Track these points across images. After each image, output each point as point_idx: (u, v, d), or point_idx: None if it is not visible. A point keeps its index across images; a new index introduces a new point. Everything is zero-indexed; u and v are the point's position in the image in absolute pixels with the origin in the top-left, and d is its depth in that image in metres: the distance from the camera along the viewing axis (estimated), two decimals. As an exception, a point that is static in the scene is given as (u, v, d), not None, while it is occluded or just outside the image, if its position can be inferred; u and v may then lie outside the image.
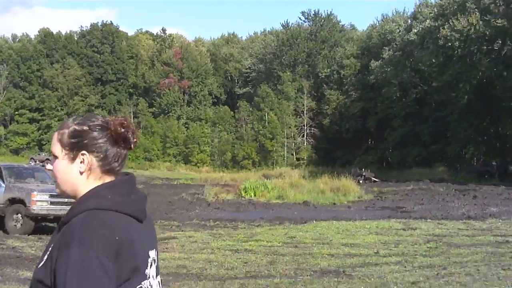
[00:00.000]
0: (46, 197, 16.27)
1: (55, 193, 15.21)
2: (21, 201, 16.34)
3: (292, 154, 78.15)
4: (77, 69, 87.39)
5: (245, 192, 33.03)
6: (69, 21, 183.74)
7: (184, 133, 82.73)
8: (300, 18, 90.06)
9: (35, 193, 16.20)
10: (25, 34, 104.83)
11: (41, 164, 69.34)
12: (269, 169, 67.46)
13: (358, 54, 77.30)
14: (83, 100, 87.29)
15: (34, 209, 16.00)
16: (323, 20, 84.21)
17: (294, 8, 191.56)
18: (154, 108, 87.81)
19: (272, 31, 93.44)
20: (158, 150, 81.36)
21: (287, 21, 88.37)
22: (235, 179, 48.88)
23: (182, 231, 17.04)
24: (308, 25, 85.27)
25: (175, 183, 50.07)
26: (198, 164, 79.13)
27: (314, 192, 32.55)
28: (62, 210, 15.94)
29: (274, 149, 75.63)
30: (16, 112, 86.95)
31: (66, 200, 15.39)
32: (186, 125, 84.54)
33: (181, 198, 31.99)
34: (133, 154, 77.66)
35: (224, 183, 45.34)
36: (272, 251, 12.64)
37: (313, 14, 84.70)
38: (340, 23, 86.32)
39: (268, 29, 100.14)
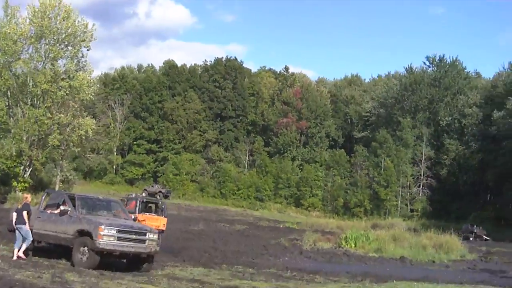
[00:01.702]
0: (113, 232, 19.36)
1: (124, 229, 19.75)
2: (89, 234, 19.32)
3: (406, 205, 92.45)
4: (197, 103, 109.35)
5: (345, 242, 38.73)
6: (198, 55, 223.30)
7: (297, 175, 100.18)
8: (424, 62, 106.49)
9: (102, 226, 19.19)
10: (150, 65, 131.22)
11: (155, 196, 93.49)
12: (380, 218, 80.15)
13: (481, 103, 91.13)
14: (201, 135, 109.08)
15: (100, 243, 18.98)
16: (447, 66, 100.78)
17: (420, 51, 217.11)
18: (270, 147, 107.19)
19: (396, 74, 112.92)
20: (270, 190, 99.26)
21: (411, 65, 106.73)
22: (341, 227, 56.89)
23: (251, 280, 20.14)
24: (432, 70, 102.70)
25: (281, 226, 60.47)
26: (309, 208, 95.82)
27: (416, 247, 37.19)
28: (129, 246, 19.77)
29: (388, 198, 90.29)
30: (135, 142, 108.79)
31: (134, 236, 19.93)
32: (300, 167, 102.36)
33: (278, 243, 38.31)
34: (245, 193, 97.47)
35: (329, 230, 53.47)
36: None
37: (438, 59, 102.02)
38: (465, 70, 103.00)
39: (392, 72, 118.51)
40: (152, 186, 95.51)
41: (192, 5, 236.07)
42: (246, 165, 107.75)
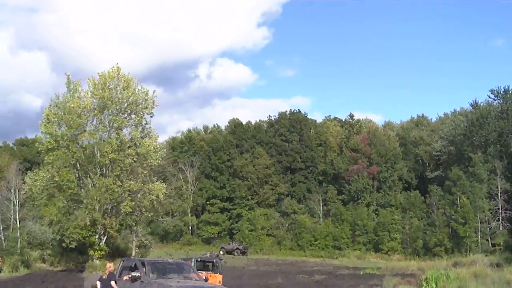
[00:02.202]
0: None
1: None
2: None
3: (487, 240, 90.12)
4: (266, 158, 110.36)
5: (426, 283, 38.80)
6: (263, 111, 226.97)
7: (374, 220, 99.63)
8: (489, 96, 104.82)
9: None
10: (216, 125, 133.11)
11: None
12: (462, 256, 78.21)
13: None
14: (272, 189, 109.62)
15: None
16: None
17: (483, 86, 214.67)
18: (343, 195, 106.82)
19: (461, 111, 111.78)
20: (347, 238, 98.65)
21: (475, 100, 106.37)
22: (422, 268, 56.60)
23: None
24: (498, 103, 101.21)
25: (361, 273, 59.69)
26: (388, 252, 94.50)
27: (499, 283, 36.41)
28: None
29: (467, 234, 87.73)
30: (208, 202, 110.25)
31: None
32: (376, 212, 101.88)
33: None
34: (323, 243, 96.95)
35: (410, 272, 53.42)
36: None
37: (503, 91, 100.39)
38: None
39: (457, 109, 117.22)
40: (229, 244, 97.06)
41: (252, 63, 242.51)
42: (321, 215, 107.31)
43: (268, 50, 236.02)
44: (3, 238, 63.50)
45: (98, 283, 21.19)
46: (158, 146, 56.59)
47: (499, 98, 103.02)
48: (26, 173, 68.85)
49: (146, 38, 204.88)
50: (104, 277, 21.00)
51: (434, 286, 37.92)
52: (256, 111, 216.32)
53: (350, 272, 59.98)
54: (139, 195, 55.43)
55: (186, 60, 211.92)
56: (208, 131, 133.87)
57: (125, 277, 21.34)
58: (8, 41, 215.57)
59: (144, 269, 21.38)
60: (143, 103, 56.16)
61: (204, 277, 22.86)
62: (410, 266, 62.62)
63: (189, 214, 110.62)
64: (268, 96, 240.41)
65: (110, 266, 21.52)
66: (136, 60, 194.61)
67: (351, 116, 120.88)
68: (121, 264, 23.26)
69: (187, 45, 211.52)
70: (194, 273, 22.88)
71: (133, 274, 21.16)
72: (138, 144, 55.18)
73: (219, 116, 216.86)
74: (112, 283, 20.56)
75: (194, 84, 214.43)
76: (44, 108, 56.38)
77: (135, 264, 22.28)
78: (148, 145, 54.83)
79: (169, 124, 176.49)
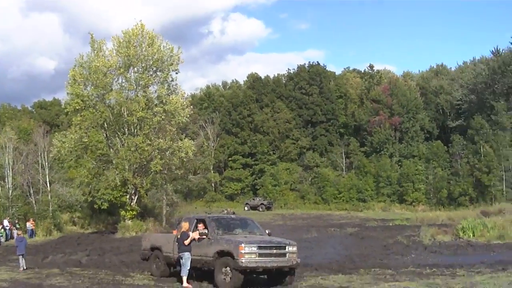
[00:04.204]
0: (254, 248, 19.42)
1: (264, 245, 19.91)
2: (230, 254, 19.49)
3: None
4: (286, 112, 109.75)
5: (463, 233, 38.42)
6: (277, 65, 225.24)
7: (397, 171, 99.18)
8: (511, 43, 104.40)
9: (243, 245, 19.24)
10: (234, 80, 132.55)
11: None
12: (487, 205, 77.32)
13: None
14: (294, 143, 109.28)
15: (242, 262, 19.03)
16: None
17: (504, 33, 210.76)
18: (365, 147, 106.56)
19: (482, 59, 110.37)
20: (371, 190, 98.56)
21: (497, 48, 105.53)
22: (451, 218, 55.73)
23: (397, 281, 19.78)
24: None
25: (390, 224, 58.96)
26: (413, 203, 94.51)
27: None
28: (271, 262, 19.74)
29: (492, 183, 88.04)
30: (230, 158, 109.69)
31: (274, 251, 20.00)
32: (399, 163, 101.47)
33: (396, 241, 37.69)
34: (347, 195, 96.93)
35: (441, 222, 52.53)
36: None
37: None
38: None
39: (477, 57, 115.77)
40: (253, 199, 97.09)
41: (265, 17, 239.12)
42: (344, 168, 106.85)
43: (280, 3, 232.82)
44: (34, 202, 63.07)
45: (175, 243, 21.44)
46: (185, 102, 55.62)
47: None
48: (47, 136, 68.66)
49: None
50: (178, 236, 20.88)
51: (471, 235, 37.66)
52: (270, 65, 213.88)
53: (379, 224, 59.46)
54: (168, 153, 54.78)
55: (198, 16, 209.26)
56: (227, 87, 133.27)
57: (192, 235, 20.96)
58: (19, 3, 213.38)
59: (206, 226, 21.30)
60: (168, 60, 55.40)
61: (267, 232, 22.30)
62: (438, 216, 61.53)
63: (212, 171, 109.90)
64: (282, 50, 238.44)
65: (184, 225, 21.10)
66: (148, 18, 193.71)
67: (371, 67, 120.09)
68: (181, 222, 22.71)
69: (199, 1, 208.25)
70: (257, 228, 22.47)
71: (201, 231, 20.99)
72: (165, 102, 54.46)
73: (233, 71, 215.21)
74: (186, 242, 20.35)
75: (207, 40, 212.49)
76: (69, 69, 55.55)
77: (197, 221, 22.02)
78: (176, 102, 54.21)
79: (183, 82, 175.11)
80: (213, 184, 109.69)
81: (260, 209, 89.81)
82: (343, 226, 57.22)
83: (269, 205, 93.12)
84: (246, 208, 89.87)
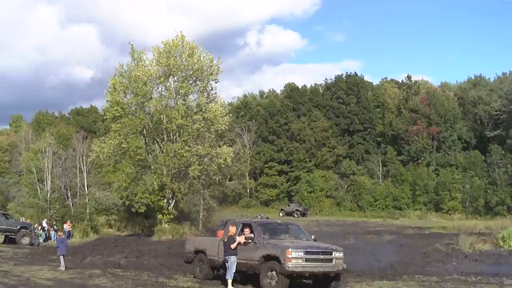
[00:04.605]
0: (301, 254, 19.61)
1: (311, 250, 20.06)
2: (276, 258, 19.69)
3: None
4: (323, 121, 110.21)
5: (503, 242, 37.78)
6: (313, 75, 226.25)
7: (434, 180, 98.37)
8: None
9: (290, 250, 19.41)
10: (271, 90, 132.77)
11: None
12: None
13: None
14: (331, 151, 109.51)
15: (289, 267, 19.20)
16: None
17: None
18: (402, 156, 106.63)
19: None
20: (407, 198, 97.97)
21: None
22: (489, 227, 55.34)
23: None
24: None
25: (427, 232, 58.74)
26: (449, 212, 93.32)
27: None
28: (318, 267, 19.95)
29: None
30: (266, 165, 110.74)
31: (321, 256, 20.15)
32: (436, 172, 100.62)
33: (435, 249, 37.57)
34: (383, 203, 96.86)
35: (479, 231, 51.62)
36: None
37: None
38: None
39: None
40: (288, 206, 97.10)
41: (301, 28, 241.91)
42: (380, 176, 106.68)
43: (317, 16, 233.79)
44: (71, 204, 64.32)
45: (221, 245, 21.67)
46: (224, 110, 56.33)
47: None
48: (84, 141, 69.97)
49: (195, 6, 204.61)
50: (225, 240, 21.07)
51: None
52: (306, 75, 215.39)
53: (416, 232, 59.20)
54: (206, 159, 55.43)
55: (234, 28, 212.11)
56: (264, 96, 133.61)
57: (238, 239, 21.22)
58: (57, 15, 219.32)
59: (251, 230, 21.62)
60: (208, 69, 56.03)
61: (312, 237, 22.51)
62: (476, 225, 61.47)
63: (247, 177, 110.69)
64: (318, 61, 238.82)
65: (232, 229, 21.28)
66: (185, 30, 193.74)
67: (409, 77, 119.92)
68: (225, 226, 23.15)
69: (235, 13, 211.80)
70: (303, 234, 22.67)
71: (247, 235, 21.25)
72: (205, 110, 55.12)
73: (269, 81, 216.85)
74: (232, 245, 20.59)
75: (244, 51, 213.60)
76: (105, 78, 56.90)
77: (243, 226, 22.28)
78: (215, 110, 54.84)
79: (220, 91, 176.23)
80: (248, 190, 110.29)
81: (295, 215, 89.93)
82: (380, 233, 57.21)
83: (304, 211, 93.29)
84: (281, 214, 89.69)
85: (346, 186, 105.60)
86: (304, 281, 21.47)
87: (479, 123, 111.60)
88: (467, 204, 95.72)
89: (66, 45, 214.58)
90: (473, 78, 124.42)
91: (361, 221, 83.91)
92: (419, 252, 36.10)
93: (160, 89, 56.78)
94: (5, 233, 49.73)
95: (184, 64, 55.05)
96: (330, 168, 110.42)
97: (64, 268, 26.56)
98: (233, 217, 64.22)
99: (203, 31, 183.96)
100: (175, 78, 56.03)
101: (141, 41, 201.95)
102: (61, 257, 27.15)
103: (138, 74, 54.02)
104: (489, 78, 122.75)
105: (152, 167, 55.75)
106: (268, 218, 27.12)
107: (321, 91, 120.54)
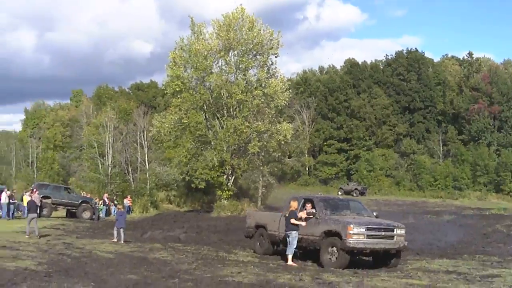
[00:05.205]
0: (362, 230, 19.44)
1: (372, 226, 19.91)
2: (337, 234, 19.60)
3: None
4: (384, 98, 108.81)
5: None
6: (373, 51, 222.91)
7: (495, 161, 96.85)
8: None
9: (351, 226, 19.30)
10: (331, 66, 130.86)
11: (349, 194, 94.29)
12: None
13: None
14: (391, 129, 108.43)
15: (350, 243, 19.11)
16: None
17: None
18: (463, 135, 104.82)
19: None
20: (468, 178, 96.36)
21: None
22: None
23: (505, 268, 19.32)
24: None
25: (487, 213, 57.46)
26: (510, 193, 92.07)
27: None
28: (379, 243, 19.73)
29: None
30: (325, 143, 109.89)
31: (383, 233, 19.96)
32: (497, 152, 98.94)
33: (496, 230, 36.92)
34: (443, 183, 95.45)
35: None
36: None
37: None
38: None
39: None
40: (348, 184, 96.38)
41: (361, 2, 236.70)
42: (441, 155, 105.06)
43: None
44: (132, 180, 64.86)
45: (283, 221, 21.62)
46: (284, 86, 55.82)
47: None
48: (145, 116, 70.32)
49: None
50: (286, 215, 21.04)
51: None
52: (366, 51, 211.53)
53: (476, 213, 57.93)
54: (266, 136, 55.27)
55: (294, 2, 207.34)
56: (324, 72, 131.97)
57: (300, 214, 21.12)
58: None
59: (313, 205, 21.51)
60: (268, 43, 55.58)
61: (374, 214, 22.45)
62: (539, 206, 58.45)
63: (306, 155, 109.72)
64: (378, 36, 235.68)
65: (293, 204, 21.26)
66: (244, 2, 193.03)
67: (470, 54, 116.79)
68: (289, 202, 22.39)
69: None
70: (366, 210, 22.58)
71: (309, 210, 21.21)
72: (265, 85, 54.78)
73: (328, 57, 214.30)
74: (292, 220, 20.59)
75: (303, 25, 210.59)
76: (165, 52, 56.92)
77: (305, 201, 22.21)
78: (275, 86, 54.47)
79: (278, 67, 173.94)
80: (307, 168, 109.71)
81: (354, 194, 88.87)
82: (439, 213, 56.23)
83: (363, 190, 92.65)
84: (339, 193, 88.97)
85: (406, 166, 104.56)
86: (364, 258, 21.49)
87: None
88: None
89: (125, 18, 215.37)
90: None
91: (420, 201, 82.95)
92: (479, 233, 35.56)
93: (220, 63, 56.69)
94: (67, 207, 50.60)
95: (244, 37, 54.66)
96: (390, 147, 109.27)
97: (122, 241, 26.79)
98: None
99: (261, 5, 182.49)
100: (235, 52, 55.71)
101: (199, 15, 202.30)
102: (121, 230, 27.29)
103: (198, 47, 53.98)
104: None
105: (212, 143, 55.84)
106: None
107: (381, 67, 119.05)
